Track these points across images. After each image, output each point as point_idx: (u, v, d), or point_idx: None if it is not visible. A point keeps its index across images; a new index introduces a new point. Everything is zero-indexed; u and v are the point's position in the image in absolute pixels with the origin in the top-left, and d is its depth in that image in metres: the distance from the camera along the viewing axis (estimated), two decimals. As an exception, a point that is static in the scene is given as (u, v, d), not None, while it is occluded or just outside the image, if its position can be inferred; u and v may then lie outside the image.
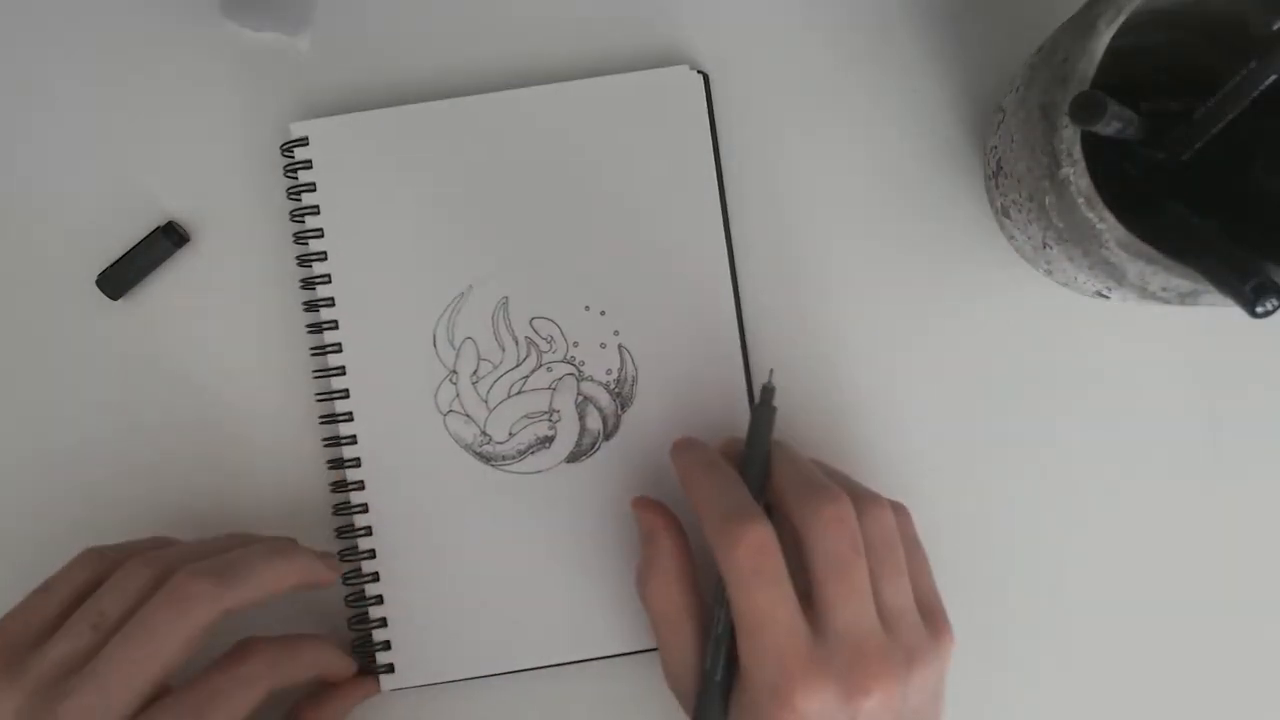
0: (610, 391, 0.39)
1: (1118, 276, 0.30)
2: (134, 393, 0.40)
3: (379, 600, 0.38)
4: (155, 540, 0.36)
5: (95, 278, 0.39)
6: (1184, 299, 0.30)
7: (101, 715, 0.29)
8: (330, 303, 0.39)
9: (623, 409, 0.39)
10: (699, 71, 0.39)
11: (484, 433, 0.39)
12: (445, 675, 0.38)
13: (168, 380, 0.40)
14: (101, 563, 0.33)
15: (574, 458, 0.39)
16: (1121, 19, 0.29)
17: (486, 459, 0.39)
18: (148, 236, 0.39)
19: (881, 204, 0.40)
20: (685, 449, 0.36)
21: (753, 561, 0.31)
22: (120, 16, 0.40)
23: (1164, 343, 0.40)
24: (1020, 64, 0.35)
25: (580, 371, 0.39)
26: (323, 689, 0.37)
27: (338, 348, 0.39)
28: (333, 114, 0.39)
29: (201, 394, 0.40)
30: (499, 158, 0.39)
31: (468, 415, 0.39)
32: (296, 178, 0.39)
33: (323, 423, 0.39)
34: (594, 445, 0.39)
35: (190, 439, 0.40)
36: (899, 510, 0.35)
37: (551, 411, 0.39)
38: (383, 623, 0.38)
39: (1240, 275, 0.27)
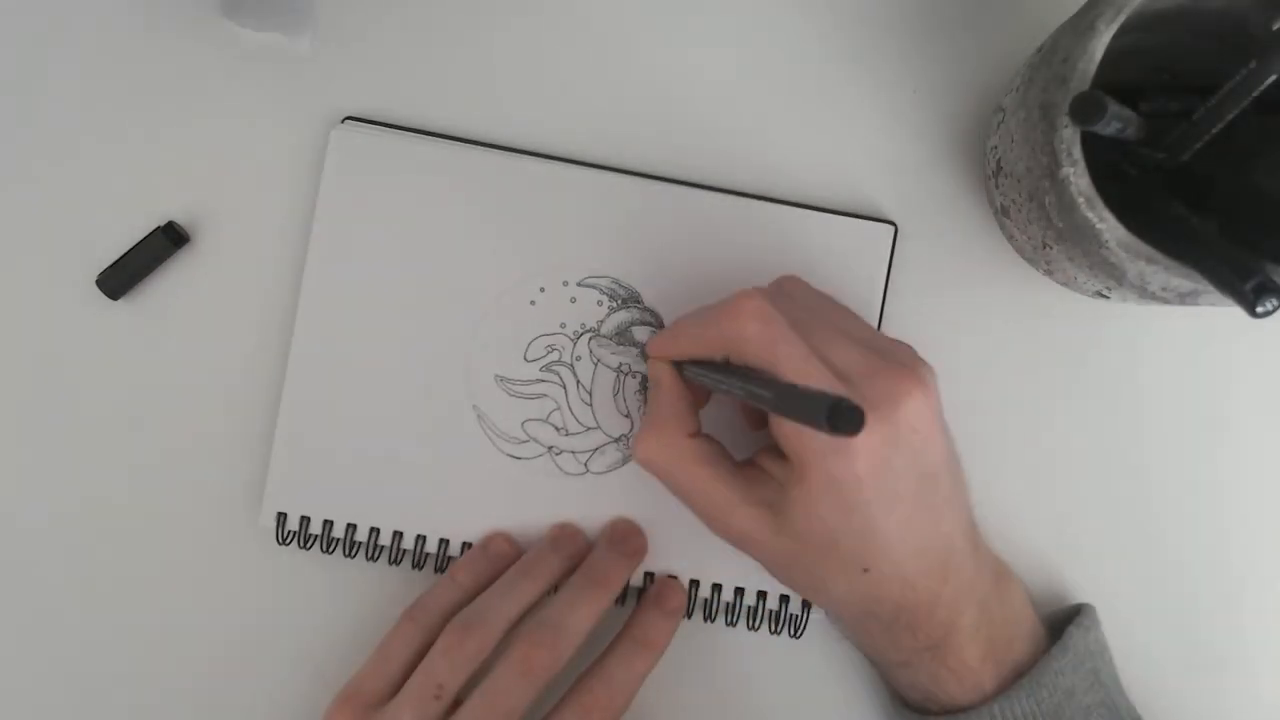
0: (620, 307, 0.39)
1: (1118, 276, 0.30)
2: (134, 393, 0.40)
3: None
4: (456, 581, 0.38)
5: (95, 278, 0.39)
6: (1184, 299, 0.30)
7: None
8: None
9: (640, 302, 0.39)
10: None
11: (615, 439, 0.39)
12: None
13: (168, 380, 0.40)
14: (424, 623, 0.36)
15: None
16: (1121, 19, 0.29)
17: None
18: (148, 236, 0.39)
19: (880, 204, 0.40)
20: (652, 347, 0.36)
21: (763, 325, 0.31)
22: (120, 16, 0.40)
23: (1164, 343, 0.40)
24: (1020, 64, 0.35)
25: (590, 328, 0.39)
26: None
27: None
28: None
29: (201, 393, 0.40)
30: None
31: (596, 449, 0.39)
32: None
33: None
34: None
35: (189, 439, 0.40)
36: (787, 282, 0.35)
37: (619, 370, 0.39)
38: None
39: (1240, 275, 0.27)
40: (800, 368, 0.30)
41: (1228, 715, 0.40)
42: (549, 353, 0.39)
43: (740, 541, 0.33)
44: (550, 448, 0.39)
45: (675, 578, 0.39)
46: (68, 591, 0.40)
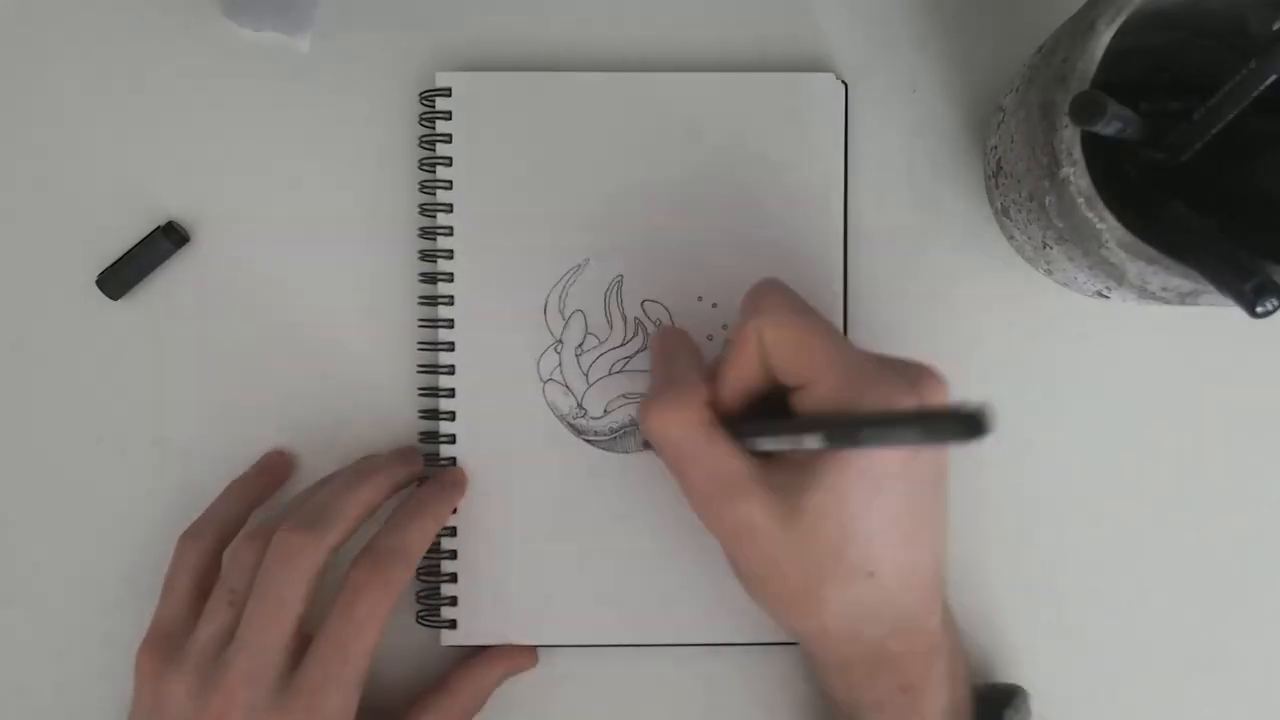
0: None
1: (1118, 276, 0.30)
2: (134, 393, 0.40)
3: (452, 555, 0.39)
4: (231, 495, 0.38)
5: (95, 278, 0.39)
6: (1184, 299, 0.30)
7: (260, 674, 0.32)
8: (449, 255, 0.39)
9: None
10: (841, 81, 0.39)
11: (580, 405, 0.39)
12: (506, 638, 0.39)
13: (168, 380, 0.40)
14: (200, 541, 0.36)
15: None
16: (1121, 19, 0.29)
17: (579, 432, 0.39)
18: (148, 236, 0.39)
19: (880, 204, 0.40)
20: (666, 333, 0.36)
21: (786, 299, 0.32)
22: (120, 16, 0.40)
23: (1164, 343, 0.40)
24: (1020, 64, 0.35)
25: None
26: (477, 653, 0.38)
27: (450, 300, 0.39)
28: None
29: (201, 394, 0.40)
30: (633, 137, 0.39)
31: (567, 386, 0.39)
32: (433, 126, 0.39)
33: (421, 372, 0.39)
34: None
35: (189, 439, 0.40)
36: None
37: None
38: (452, 578, 0.39)
39: (1240, 275, 0.27)
40: (840, 353, 0.30)
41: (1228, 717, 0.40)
42: (655, 322, 0.39)
43: (738, 530, 0.31)
44: (560, 342, 0.39)
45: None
46: (67, 593, 0.40)
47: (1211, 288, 0.28)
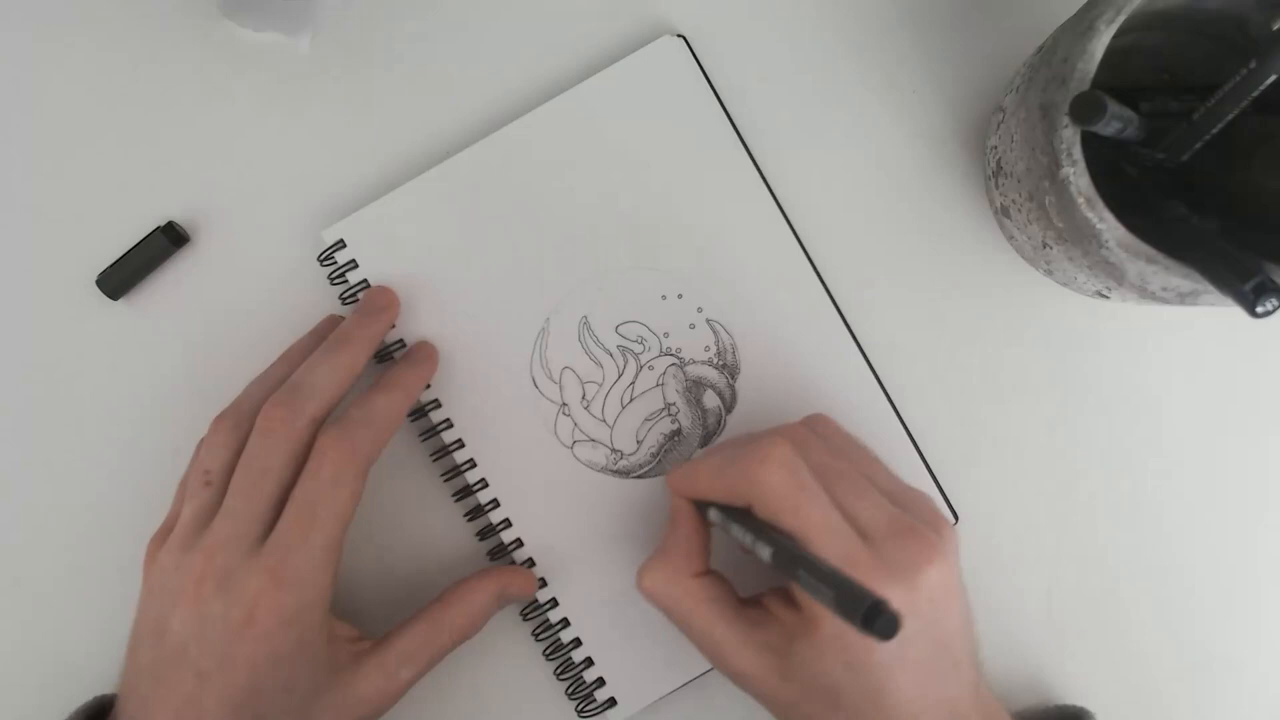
0: (716, 366, 0.39)
1: (1118, 276, 0.30)
2: (134, 393, 0.40)
3: (577, 643, 0.38)
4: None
5: (95, 278, 0.39)
6: (1184, 299, 0.30)
7: (236, 539, 0.33)
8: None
9: (734, 378, 0.39)
10: (678, 35, 0.39)
11: (614, 450, 0.39)
12: (660, 691, 0.38)
13: (168, 380, 0.40)
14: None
15: (705, 440, 0.39)
16: (1121, 19, 0.29)
17: (624, 474, 0.39)
18: (148, 236, 0.39)
19: (881, 204, 0.40)
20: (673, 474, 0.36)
21: (790, 476, 0.31)
22: (120, 16, 0.40)
23: (1164, 342, 0.40)
24: (1020, 64, 0.35)
25: (681, 358, 0.39)
26: (481, 572, 0.38)
27: (440, 409, 0.39)
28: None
29: (200, 395, 0.40)
30: (529, 188, 0.39)
31: (592, 440, 0.39)
32: (346, 281, 0.39)
33: (445, 478, 0.39)
34: (719, 423, 0.39)
35: (188, 438, 0.40)
36: (818, 423, 0.35)
37: (668, 405, 0.39)
38: (589, 662, 0.38)
39: (1240, 275, 0.27)
40: (822, 525, 0.31)
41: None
42: (637, 341, 0.39)
43: (740, 680, 0.33)
44: (564, 405, 0.39)
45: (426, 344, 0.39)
46: (69, 593, 0.40)
47: (1211, 288, 0.28)
